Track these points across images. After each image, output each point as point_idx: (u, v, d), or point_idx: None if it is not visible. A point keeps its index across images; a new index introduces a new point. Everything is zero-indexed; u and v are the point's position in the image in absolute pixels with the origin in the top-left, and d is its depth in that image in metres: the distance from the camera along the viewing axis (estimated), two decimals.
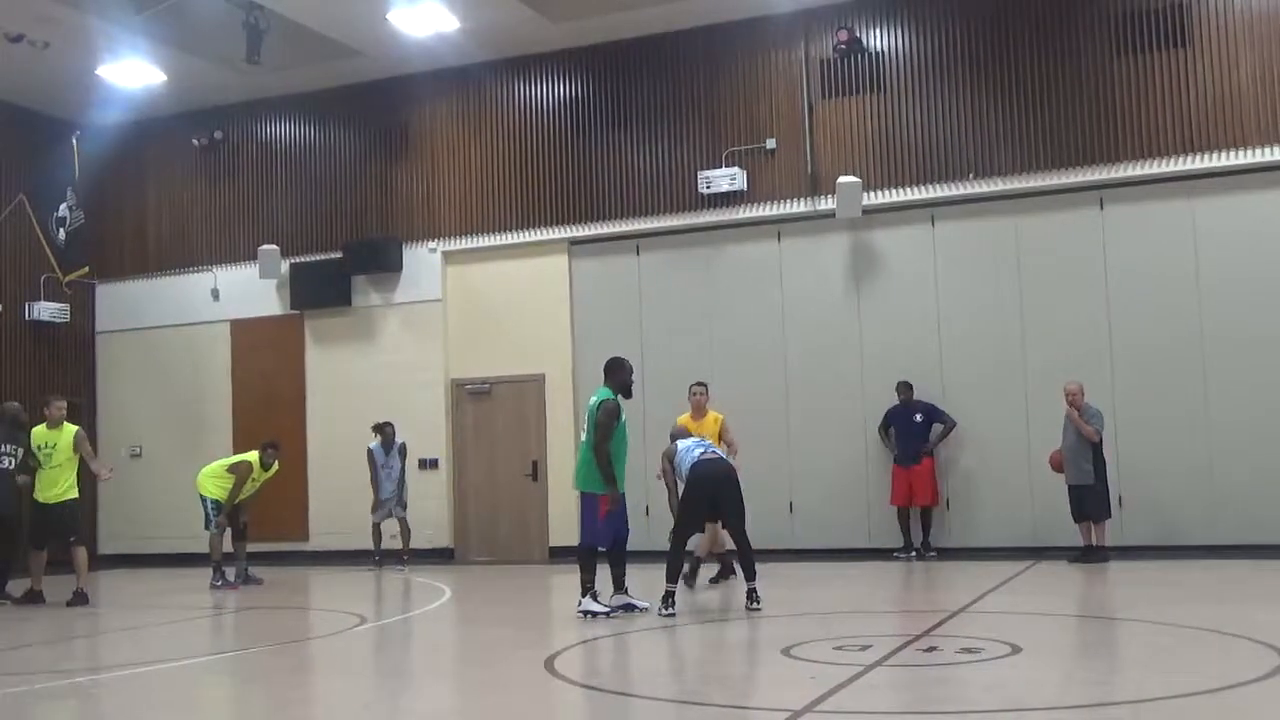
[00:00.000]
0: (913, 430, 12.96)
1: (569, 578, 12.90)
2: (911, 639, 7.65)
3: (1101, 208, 12.89)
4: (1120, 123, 12.73)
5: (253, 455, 12.97)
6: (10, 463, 11.77)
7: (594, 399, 9.29)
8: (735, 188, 14.01)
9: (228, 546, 12.92)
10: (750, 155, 14.11)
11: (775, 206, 14.02)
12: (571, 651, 7.87)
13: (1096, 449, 11.81)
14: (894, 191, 13.53)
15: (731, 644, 7.94)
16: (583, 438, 9.22)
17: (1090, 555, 11.75)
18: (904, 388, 13.05)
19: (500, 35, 14.38)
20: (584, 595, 9.16)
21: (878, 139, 13.70)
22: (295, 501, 15.77)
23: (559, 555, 14.17)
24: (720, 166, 14.08)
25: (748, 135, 14.14)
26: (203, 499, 12.82)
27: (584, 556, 9.18)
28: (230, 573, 12.85)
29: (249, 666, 8.41)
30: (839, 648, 7.31)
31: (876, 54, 13.75)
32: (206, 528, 12.80)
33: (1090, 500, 11.83)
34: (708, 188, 14.07)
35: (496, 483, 14.82)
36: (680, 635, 8.63)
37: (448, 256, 15.41)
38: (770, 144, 14.06)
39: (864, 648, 7.26)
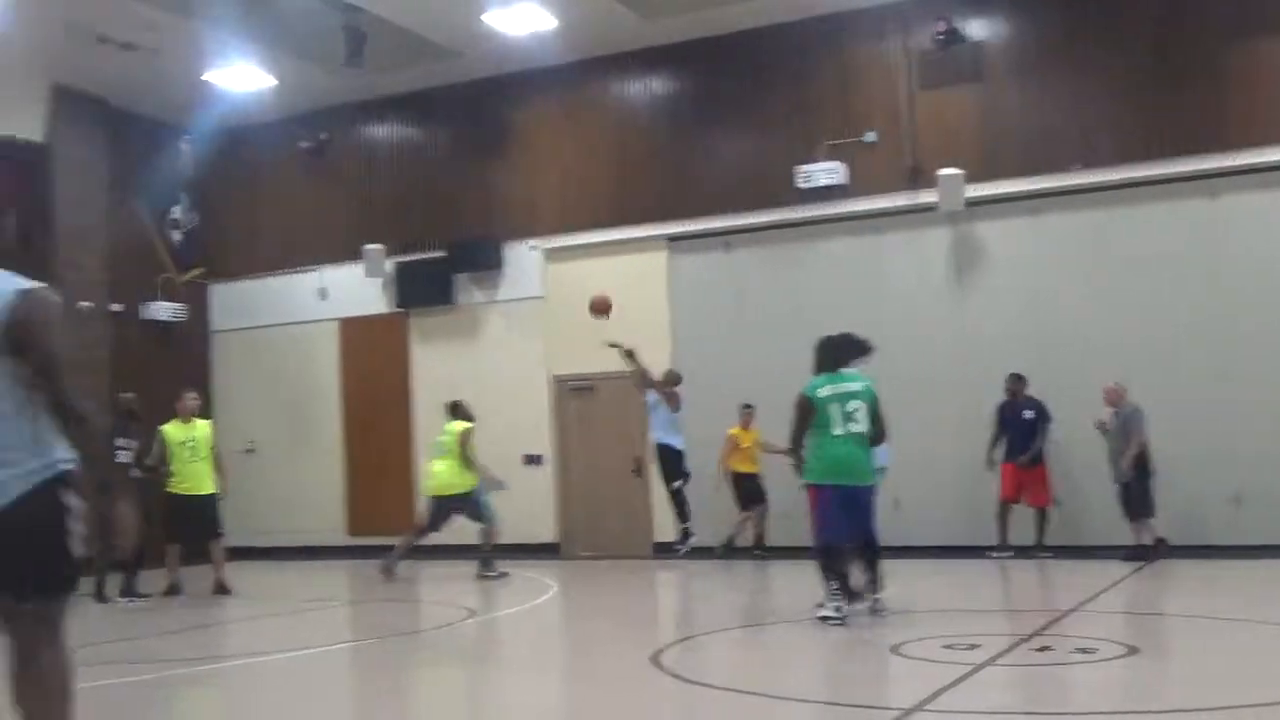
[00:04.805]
0: (1022, 428, 12.72)
1: (673, 573, 13.05)
2: (1023, 638, 7.57)
3: (1214, 198, 12.56)
4: (1234, 108, 12.38)
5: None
6: (128, 457, 12.12)
7: (859, 385, 8.58)
8: (834, 182, 13.91)
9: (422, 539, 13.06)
10: (849, 149, 14.01)
11: (875, 200, 13.91)
12: (678, 647, 7.93)
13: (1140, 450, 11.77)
14: (997, 183, 13.33)
15: (838, 641, 7.92)
16: (856, 428, 8.43)
17: (1135, 554, 11.64)
18: (1014, 380, 12.78)
19: (596, 33, 14.46)
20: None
21: (980, 130, 13.51)
22: (403, 496, 16.04)
23: (663, 551, 14.22)
24: (818, 161, 14.00)
25: (846, 128, 14.04)
26: (463, 496, 12.82)
27: (873, 554, 8.61)
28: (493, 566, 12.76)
29: (362, 657, 8.63)
30: (948, 646, 7.27)
31: (977, 43, 13.56)
32: (481, 520, 12.89)
33: (1127, 499, 11.83)
34: (806, 182, 14.01)
35: (601, 479, 14.92)
36: (787, 632, 8.64)
37: (548, 254, 15.55)
38: (869, 137, 13.93)
39: (973, 646, 7.20)
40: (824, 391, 8.45)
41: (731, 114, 14.64)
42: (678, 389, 13.57)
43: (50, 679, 3.89)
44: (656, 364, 14.63)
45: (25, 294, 3.87)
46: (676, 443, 13.45)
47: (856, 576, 8.59)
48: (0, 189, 14.33)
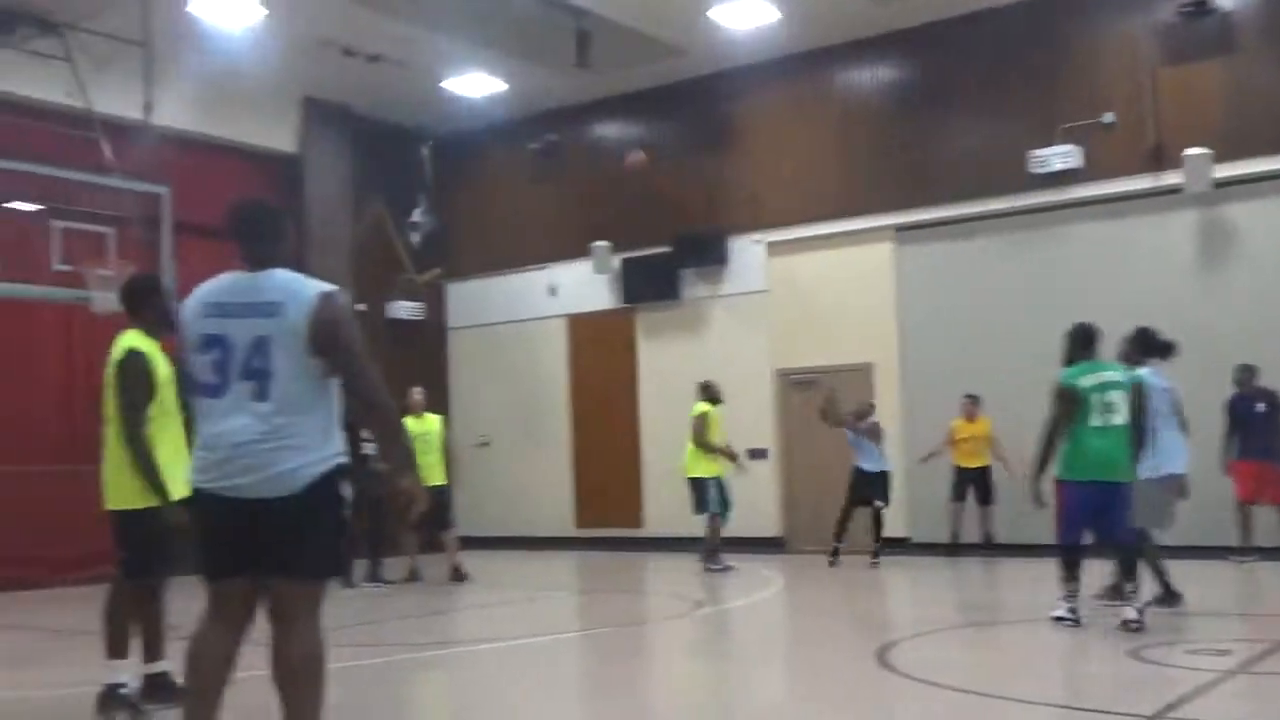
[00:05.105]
0: (1255, 422, 11.86)
1: (898, 569, 12.82)
2: (1276, 645, 7.11)
3: None
4: None
5: None
6: (374, 449, 12.74)
7: (1119, 374, 8.12)
8: (1070, 165, 13.40)
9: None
10: (1085, 131, 13.45)
11: (1114, 184, 13.31)
12: (904, 644, 7.79)
13: None
14: (1248, 162, 12.53)
15: (1071, 643, 7.63)
16: (1115, 420, 7.89)
17: None
18: (1243, 371, 11.93)
19: (820, 23, 14.33)
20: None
21: (1228, 105, 12.73)
22: (629, 488, 16.34)
23: (890, 546, 13.99)
24: (1053, 144, 13.48)
25: (1082, 110, 13.48)
26: (697, 481, 12.91)
27: (1129, 553, 7.95)
28: (724, 559, 12.84)
29: (590, 646, 8.83)
30: (1193, 651, 6.92)
31: (1225, 13, 12.79)
32: (700, 511, 12.90)
33: None
34: (1040, 167, 13.52)
35: (824, 473, 14.76)
36: (1017, 632, 8.38)
37: (772, 247, 15.51)
38: (1108, 118, 13.35)
39: (1221, 652, 6.83)
40: (1085, 381, 7.94)
41: (959, 100, 14.28)
42: (874, 419, 13.25)
43: (308, 656, 4.14)
44: (881, 358, 14.48)
45: (326, 296, 4.17)
46: (883, 467, 13.21)
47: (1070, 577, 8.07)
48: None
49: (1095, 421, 7.84)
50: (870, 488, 13.12)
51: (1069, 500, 8.01)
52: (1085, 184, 13.43)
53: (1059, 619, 7.95)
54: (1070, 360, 8.16)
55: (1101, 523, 7.90)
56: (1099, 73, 13.48)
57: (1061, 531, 8.11)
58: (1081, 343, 8.15)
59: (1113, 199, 13.34)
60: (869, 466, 13.14)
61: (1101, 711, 5.83)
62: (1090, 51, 13.55)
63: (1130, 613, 7.67)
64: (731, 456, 13.11)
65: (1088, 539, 7.99)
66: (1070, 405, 7.88)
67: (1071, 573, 7.95)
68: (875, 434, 13.17)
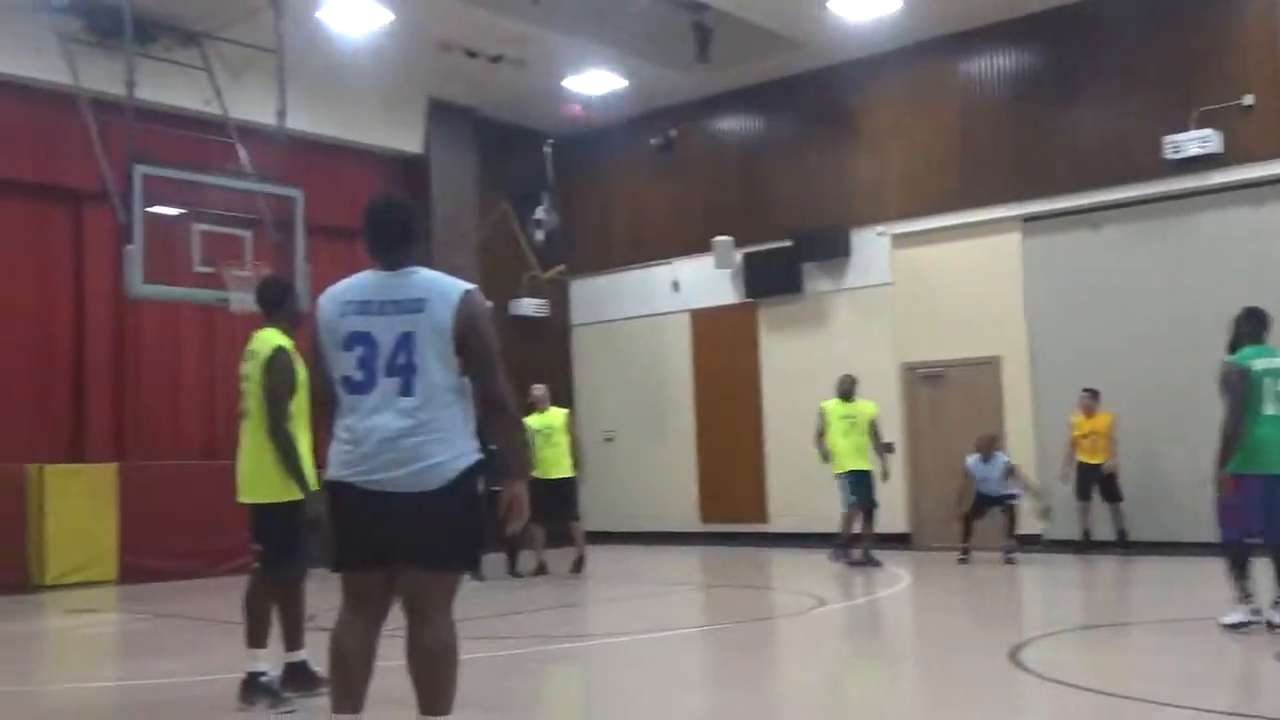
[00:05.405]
0: None
1: (1030, 567, 12.57)
2: None
3: None
4: None
5: None
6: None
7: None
8: (1207, 150, 12.97)
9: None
10: (1223, 114, 13.00)
11: (1255, 169, 12.84)
12: (1038, 644, 7.64)
13: None
14: None
15: (1214, 646, 7.38)
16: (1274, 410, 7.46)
17: None
18: None
19: (942, 11, 14.11)
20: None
21: None
22: (753, 484, 16.31)
23: (1023, 542, 13.74)
24: (1189, 129, 13.07)
25: (1220, 92, 13.03)
26: (840, 476, 12.91)
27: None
28: (855, 553, 12.88)
29: (719, 640, 8.85)
30: None
31: None
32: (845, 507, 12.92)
33: None
34: (1175, 153, 13.11)
35: (953, 468, 14.54)
36: (1154, 634, 8.15)
37: (896, 240, 15.32)
38: (1248, 100, 12.89)
39: None
40: (1257, 364, 7.46)
41: (1089, 85, 13.91)
42: (1006, 459, 12.96)
43: (443, 646, 4.23)
44: (1008, 352, 14.24)
45: (469, 294, 4.27)
46: (1009, 491, 13.01)
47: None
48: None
49: (1268, 409, 7.40)
50: (991, 499, 12.91)
51: (1235, 494, 7.47)
52: (1224, 169, 12.99)
53: (1234, 625, 7.40)
54: (1236, 344, 7.75)
55: (1273, 520, 7.40)
56: (1237, 53, 13.01)
57: (1225, 528, 7.60)
58: (1252, 326, 7.73)
59: (1253, 184, 12.88)
60: (989, 492, 12.91)
61: (1241, 715, 5.65)
62: (1227, 31, 13.09)
63: (1278, 617, 7.31)
64: (825, 457, 12.95)
65: (1254, 538, 7.48)
66: (1245, 387, 7.41)
67: (1242, 571, 7.42)
68: (1010, 475, 12.86)
